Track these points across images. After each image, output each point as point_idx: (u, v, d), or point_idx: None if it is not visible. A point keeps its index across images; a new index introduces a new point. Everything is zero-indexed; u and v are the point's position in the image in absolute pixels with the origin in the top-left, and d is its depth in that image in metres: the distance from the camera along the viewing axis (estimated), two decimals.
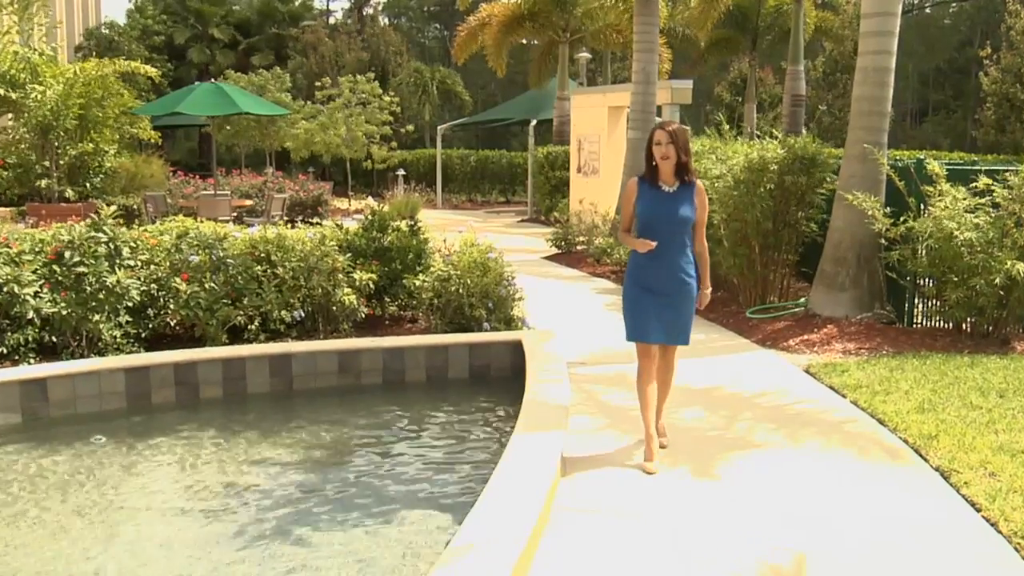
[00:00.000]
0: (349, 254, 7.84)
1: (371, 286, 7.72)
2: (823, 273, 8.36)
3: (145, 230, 7.78)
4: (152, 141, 18.53)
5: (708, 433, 5.19)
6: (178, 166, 24.82)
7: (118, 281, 6.81)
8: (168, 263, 7.23)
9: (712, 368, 6.74)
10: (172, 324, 7.27)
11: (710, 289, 4.68)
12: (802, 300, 8.76)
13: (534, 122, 24.47)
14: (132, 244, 7.30)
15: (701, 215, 4.57)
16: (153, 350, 6.74)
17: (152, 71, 16.67)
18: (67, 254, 6.81)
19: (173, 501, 4.50)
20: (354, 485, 4.72)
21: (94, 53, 28.07)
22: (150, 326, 7.08)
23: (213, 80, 19.54)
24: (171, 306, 7.04)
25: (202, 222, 7.99)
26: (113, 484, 4.75)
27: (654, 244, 4.41)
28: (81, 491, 4.65)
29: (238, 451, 5.26)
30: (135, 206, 15.12)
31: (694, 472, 4.53)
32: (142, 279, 7.09)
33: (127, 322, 6.90)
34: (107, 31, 33.27)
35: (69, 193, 15.47)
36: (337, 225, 8.45)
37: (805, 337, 7.65)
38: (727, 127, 9.80)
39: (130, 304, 6.92)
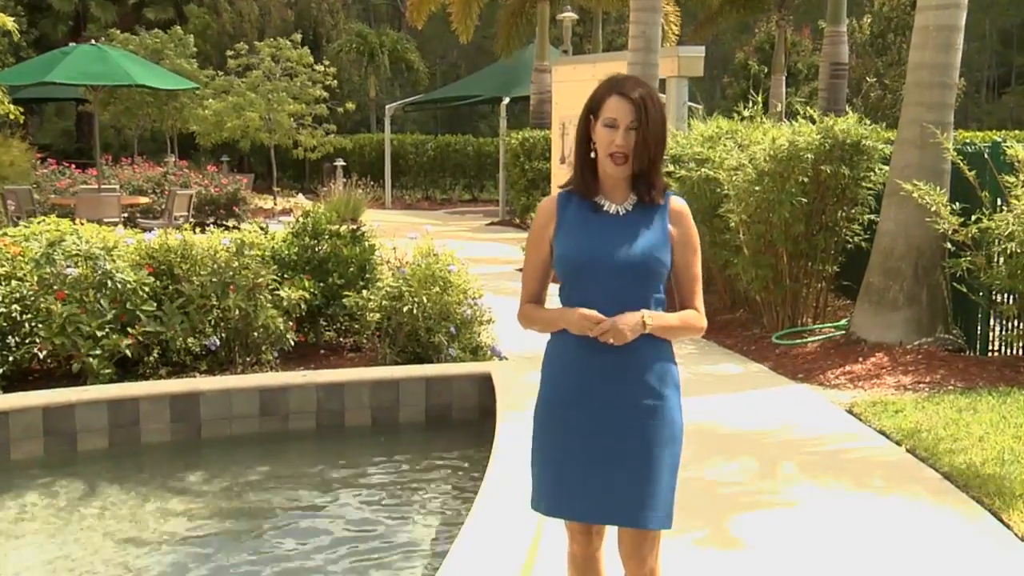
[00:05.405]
0: (275, 266, 7.84)
1: (303, 306, 7.71)
2: (870, 287, 8.46)
3: (5, 234, 7.71)
4: (12, 119, 18.31)
5: (722, 491, 5.24)
6: (48, 152, 24.57)
7: None
8: (37, 277, 7.16)
9: (730, 408, 6.77)
10: (41, 356, 7.19)
11: (653, 321, 2.93)
12: (843, 322, 8.85)
13: (507, 100, 24.58)
14: None
15: (684, 259, 3.04)
16: (15, 390, 6.65)
17: (9, 22, 16.43)
18: None
19: None
20: None
21: None
22: (11, 359, 6.99)
23: (93, 41, 19.39)
24: (41, 333, 6.96)
25: (82, 224, 7.93)
26: None
27: (601, 319, 2.90)
28: None
29: (125, 525, 5.19)
30: None
31: (714, 540, 4.57)
32: (1, 298, 7.01)
33: None
34: None
35: None
36: (261, 228, 8.41)
37: (847, 368, 7.72)
38: (753, 102, 9.86)
39: None
